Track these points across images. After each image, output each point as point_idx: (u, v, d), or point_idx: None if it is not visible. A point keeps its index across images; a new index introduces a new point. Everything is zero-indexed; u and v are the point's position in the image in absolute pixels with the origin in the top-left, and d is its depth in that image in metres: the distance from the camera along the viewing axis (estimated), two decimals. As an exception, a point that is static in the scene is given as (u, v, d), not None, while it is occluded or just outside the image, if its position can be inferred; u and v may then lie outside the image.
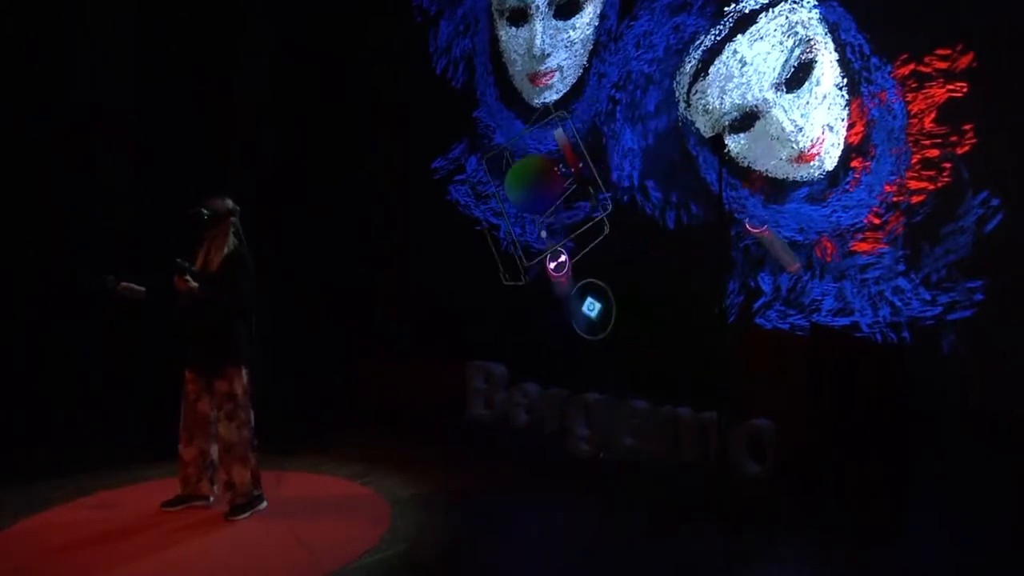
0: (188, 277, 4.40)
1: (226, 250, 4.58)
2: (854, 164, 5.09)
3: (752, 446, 5.38)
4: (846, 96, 5.09)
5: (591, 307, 6.28)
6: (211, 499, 4.70)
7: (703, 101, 5.39)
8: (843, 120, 5.07)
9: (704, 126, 5.43)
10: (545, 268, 6.62)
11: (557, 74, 6.21)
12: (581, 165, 6.37)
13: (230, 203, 4.66)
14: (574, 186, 6.34)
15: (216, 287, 4.49)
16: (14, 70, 6.50)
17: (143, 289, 4.58)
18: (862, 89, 5.01)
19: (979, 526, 4.39)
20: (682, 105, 5.54)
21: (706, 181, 5.48)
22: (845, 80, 5.07)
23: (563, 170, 6.43)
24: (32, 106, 6.59)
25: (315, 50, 7.74)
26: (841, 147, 5.10)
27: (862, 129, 5.04)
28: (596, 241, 6.27)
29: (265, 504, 4.68)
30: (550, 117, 6.55)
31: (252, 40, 7.76)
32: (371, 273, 7.79)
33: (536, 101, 6.44)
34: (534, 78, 6.29)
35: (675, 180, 5.71)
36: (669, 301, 5.59)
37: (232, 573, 3.89)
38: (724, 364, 4.53)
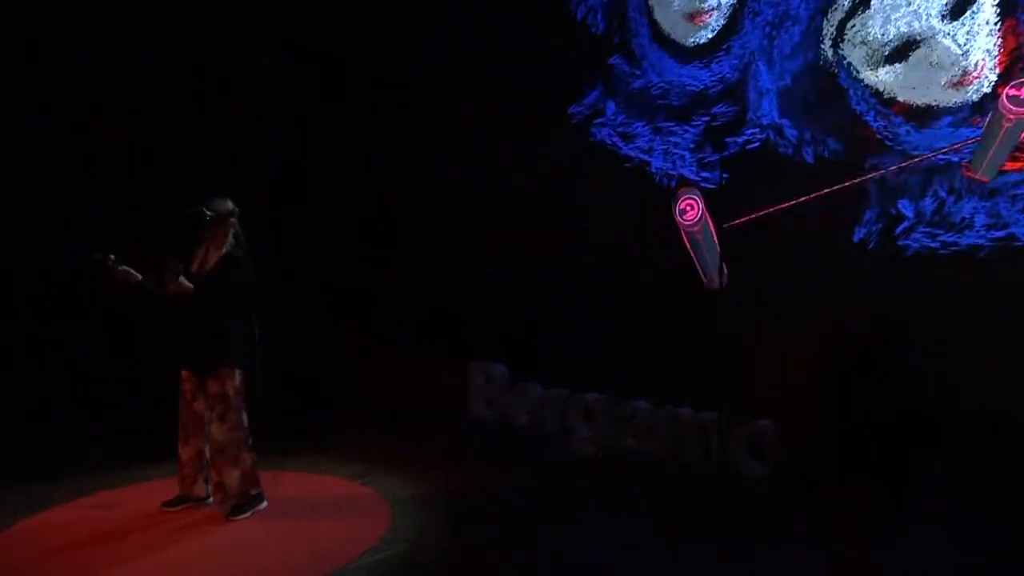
0: (181, 278, 4.43)
1: (224, 251, 4.59)
2: (1001, 90, 5.16)
3: (752, 446, 5.38)
4: (1001, 24, 5.19)
5: None
6: (209, 499, 4.70)
7: (861, 34, 5.53)
8: (998, 45, 5.18)
9: (859, 59, 5.55)
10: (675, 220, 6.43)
11: (716, 12, 6.25)
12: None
13: (231, 204, 4.67)
14: None
15: (209, 286, 4.50)
16: (14, 70, 6.51)
17: (139, 276, 4.54)
18: (1019, 15, 5.10)
19: (979, 526, 4.38)
20: (828, 41, 5.68)
21: (856, 113, 5.57)
22: (1000, 8, 5.18)
23: None
24: (32, 106, 6.59)
25: (315, 50, 7.74)
26: (997, 71, 5.19)
27: (1015, 54, 5.12)
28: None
29: (265, 503, 4.68)
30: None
31: (252, 40, 7.76)
32: (371, 273, 7.78)
33: (690, 40, 6.41)
34: (695, 16, 6.33)
35: (814, 117, 5.78)
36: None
37: (232, 573, 3.89)
38: (725, 364, 4.53)
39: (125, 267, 4.51)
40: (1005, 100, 4.92)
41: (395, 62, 7.68)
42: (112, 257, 4.48)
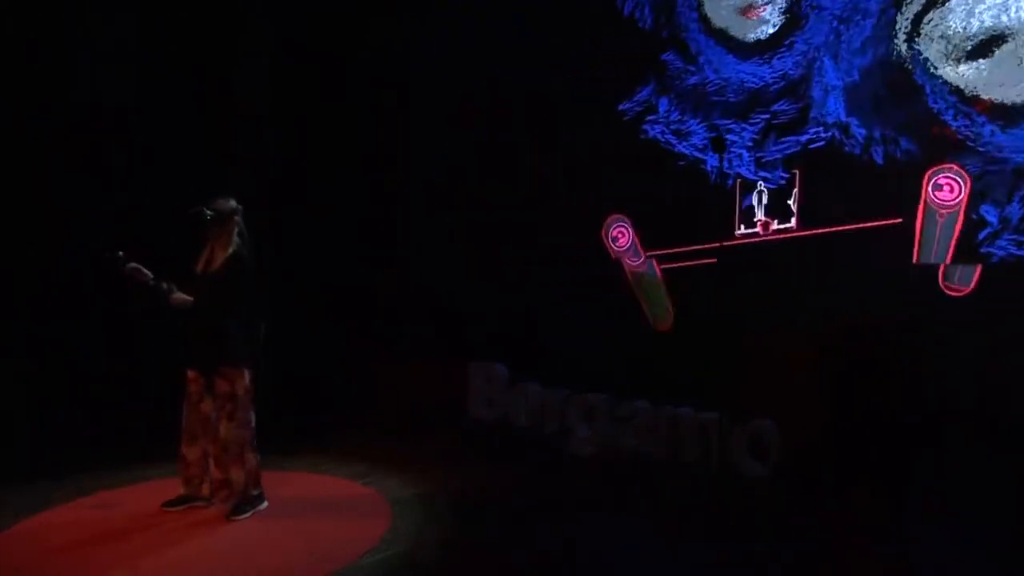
0: (178, 294, 4.49)
1: (229, 250, 4.57)
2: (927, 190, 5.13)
3: (752, 446, 5.38)
4: None
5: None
6: (212, 499, 4.69)
7: (940, 28, 5.30)
8: None
9: (937, 54, 5.31)
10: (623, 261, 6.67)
11: (769, 6, 6.03)
12: None
13: (233, 203, 4.62)
14: None
15: (215, 287, 4.50)
16: (14, 70, 6.50)
17: (150, 274, 4.54)
18: None
19: (979, 526, 4.39)
20: (902, 35, 5.45)
21: (933, 111, 5.33)
22: None
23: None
24: (32, 106, 6.59)
25: (315, 50, 7.74)
26: None
27: None
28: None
29: (266, 504, 4.67)
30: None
31: (252, 40, 7.76)
32: (371, 273, 7.79)
33: (749, 36, 6.15)
34: (748, 11, 6.11)
35: (884, 115, 5.55)
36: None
37: (232, 573, 3.89)
38: (726, 364, 4.53)
39: (136, 264, 4.50)
40: (933, 197, 5.29)
41: (396, 62, 7.67)
42: (121, 254, 4.47)
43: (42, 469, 5.32)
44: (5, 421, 6.00)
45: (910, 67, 5.41)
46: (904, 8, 5.46)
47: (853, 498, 4.80)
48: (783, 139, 5.99)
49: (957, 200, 5.22)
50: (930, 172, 5.31)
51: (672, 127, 6.46)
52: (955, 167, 5.21)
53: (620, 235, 6.68)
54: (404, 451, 5.92)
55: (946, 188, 5.28)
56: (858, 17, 5.64)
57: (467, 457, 5.90)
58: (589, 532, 4.47)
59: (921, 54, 5.37)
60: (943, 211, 5.25)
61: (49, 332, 6.61)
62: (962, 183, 5.21)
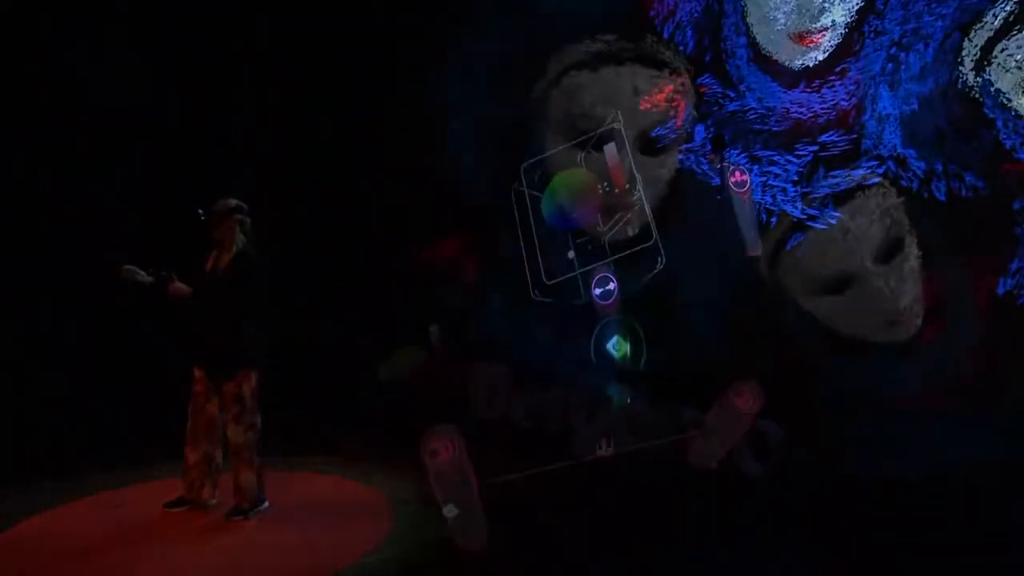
0: (175, 283, 4.45)
1: (235, 250, 4.55)
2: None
3: (752, 446, 5.38)
4: None
5: (616, 347, 6.13)
6: (213, 502, 4.68)
7: (1016, 57, 4.86)
8: None
9: (1012, 86, 4.88)
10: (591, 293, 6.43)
11: (830, 32, 5.62)
12: (628, 187, 6.12)
13: (233, 202, 4.60)
14: (623, 215, 6.09)
15: (222, 286, 4.48)
16: (14, 70, 6.49)
17: (145, 274, 4.48)
18: None
19: (979, 526, 4.40)
20: (969, 63, 5.02)
21: (1005, 147, 4.93)
22: None
23: (607, 190, 6.20)
24: (32, 106, 6.58)
25: (315, 51, 7.73)
26: None
27: None
28: (651, 275, 6.08)
29: (267, 504, 4.67)
30: (604, 127, 6.29)
31: (252, 40, 7.76)
32: (371, 273, 7.78)
33: (798, 63, 5.76)
34: (804, 37, 5.68)
35: (947, 149, 5.16)
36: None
37: (233, 573, 3.89)
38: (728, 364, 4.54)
39: (130, 267, 4.44)
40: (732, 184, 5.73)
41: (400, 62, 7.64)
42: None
43: (42, 469, 5.32)
44: (5, 421, 5.99)
45: (979, 98, 5.01)
46: (973, 34, 5.03)
47: (853, 498, 4.80)
48: (833, 172, 5.58)
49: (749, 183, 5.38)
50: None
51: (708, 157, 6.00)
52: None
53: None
54: (406, 452, 5.89)
55: (737, 173, 5.45)
56: (918, 43, 5.22)
57: (468, 457, 5.89)
58: (589, 532, 4.47)
59: (993, 84, 4.95)
60: (743, 194, 5.34)
61: (49, 332, 6.60)
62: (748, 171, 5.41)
